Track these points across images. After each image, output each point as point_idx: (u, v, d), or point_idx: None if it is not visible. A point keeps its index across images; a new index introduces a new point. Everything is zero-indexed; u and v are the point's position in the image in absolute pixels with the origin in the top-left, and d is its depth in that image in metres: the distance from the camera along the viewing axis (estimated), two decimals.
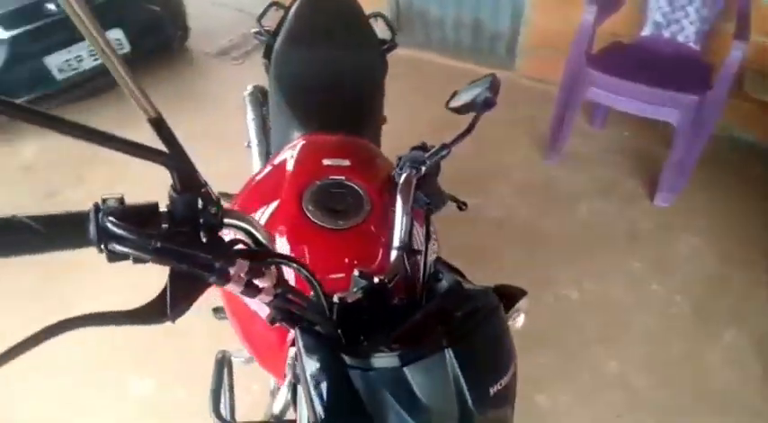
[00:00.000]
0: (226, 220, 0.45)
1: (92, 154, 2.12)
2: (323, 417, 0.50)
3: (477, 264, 1.39)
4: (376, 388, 0.51)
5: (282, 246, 0.76)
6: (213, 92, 2.87)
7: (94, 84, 2.59)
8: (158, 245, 0.37)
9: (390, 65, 1.44)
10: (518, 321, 0.73)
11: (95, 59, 2.50)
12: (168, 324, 0.43)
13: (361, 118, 1.22)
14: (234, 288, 0.43)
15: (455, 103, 0.90)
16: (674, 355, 1.62)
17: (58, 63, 2.40)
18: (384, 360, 0.50)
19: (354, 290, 0.60)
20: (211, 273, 0.41)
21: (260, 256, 0.46)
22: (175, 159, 0.40)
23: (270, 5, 1.47)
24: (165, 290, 0.42)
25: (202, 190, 0.42)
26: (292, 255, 0.76)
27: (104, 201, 0.38)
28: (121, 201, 0.39)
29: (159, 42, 2.88)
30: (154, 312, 0.42)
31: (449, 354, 0.49)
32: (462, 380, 0.49)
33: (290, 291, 0.49)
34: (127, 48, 2.61)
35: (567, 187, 2.19)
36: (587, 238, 1.98)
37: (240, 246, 0.46)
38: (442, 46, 3.04)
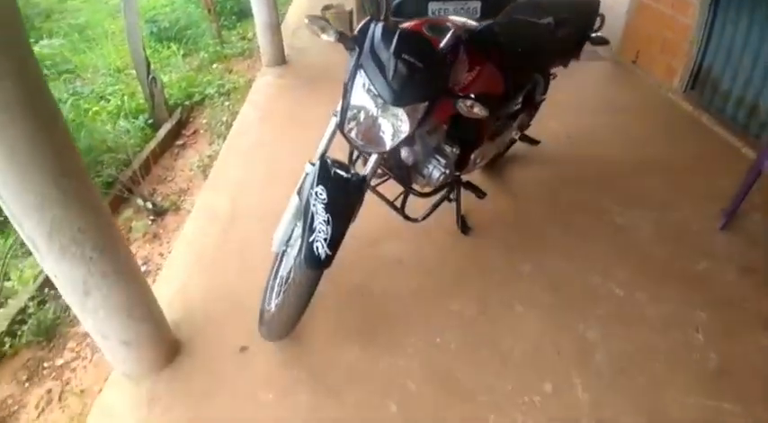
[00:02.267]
0: None
1: None
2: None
3: None
4: (372, 41, 1.31)
5: None
6: None
7: None
8: None
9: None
10: None
11: (456, 13, 3.74)
12: None
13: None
14: None
15: None
16: None
17: (434, 8, 3.73)
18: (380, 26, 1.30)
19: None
20: None
21: None
22: None
23: None
24: None
25: None
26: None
27: None
28: None
29: None
30: None
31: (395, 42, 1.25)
32: (393, 58, 1.24)
33: None
34: (478, 14, 3.75)
35: None
36: None
37: None
38: (719, 113, 3.08)
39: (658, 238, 2.19)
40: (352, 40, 1.33)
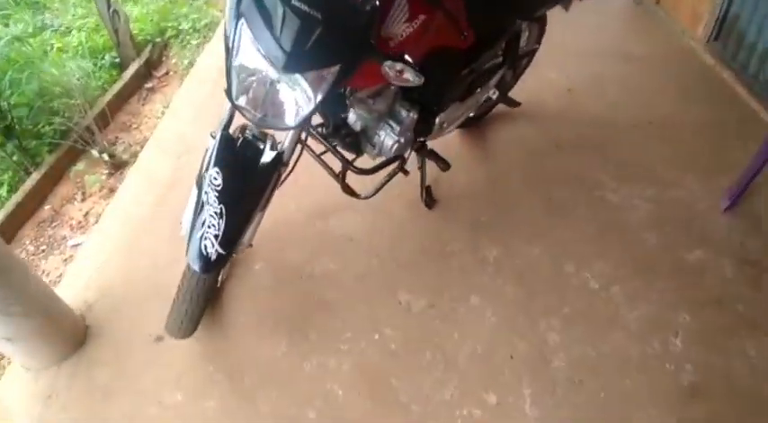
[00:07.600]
0: None
1: None
2: None
3: None
4: None
5: None
6: None
7: None
8: None
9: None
10: None
11: None
12: None
13: None
14: None
15: None
16: None
17: None
18: None
19: None
20: None
21: None
22: None
23: None
24: None
25: None
26: None
27: None
28: None
29: None
30: None
31: None
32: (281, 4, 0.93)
33: None
34: None
35: None
36: None
37: None
38: (741, 70, 2.64)
39: (652, 221, 1.90)
40: None
